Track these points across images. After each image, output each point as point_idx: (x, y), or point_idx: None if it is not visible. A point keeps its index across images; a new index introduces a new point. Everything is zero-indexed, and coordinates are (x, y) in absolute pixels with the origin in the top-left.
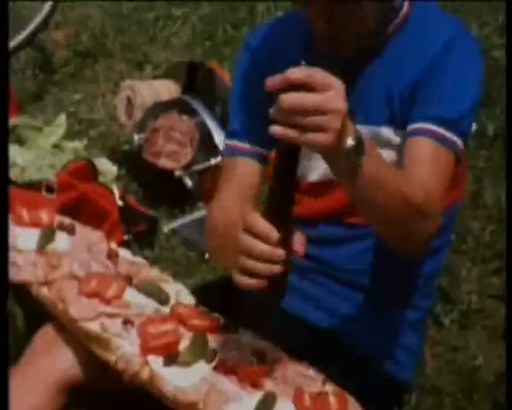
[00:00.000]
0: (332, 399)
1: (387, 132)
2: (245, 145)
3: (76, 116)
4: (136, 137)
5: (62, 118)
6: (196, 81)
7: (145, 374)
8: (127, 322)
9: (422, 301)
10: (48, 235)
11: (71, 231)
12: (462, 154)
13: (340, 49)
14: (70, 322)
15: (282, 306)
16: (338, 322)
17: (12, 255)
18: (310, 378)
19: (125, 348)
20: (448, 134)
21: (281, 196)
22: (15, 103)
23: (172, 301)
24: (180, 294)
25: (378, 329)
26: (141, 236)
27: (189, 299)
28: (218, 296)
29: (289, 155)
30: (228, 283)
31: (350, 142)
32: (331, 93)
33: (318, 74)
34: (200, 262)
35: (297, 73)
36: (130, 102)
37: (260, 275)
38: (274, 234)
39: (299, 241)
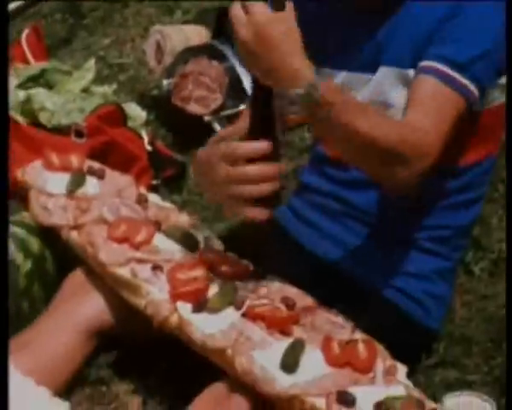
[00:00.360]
0: (361, 346)
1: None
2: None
3: (105, 61)
4: (165, 82)
5: (92, 62)
6: (226, 26)
7: (174, 320)
8: (156, 267)
9: (455, 252)
10: (78, 179)
11: (101, 175)
12: (475, 101)
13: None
14: (100, 267)
15: (313, 249)
16: (366, 267)
17: (42, 199)
18: (339, 326)
19: (155, 294)
20: (456, 75)
21: (261, 112)
22: (44, 48)
23: (201, 247)
24: (209, 240)
25: (408, 276)
26: (169, 180)
27: (217, 245)
28: (247, 242)
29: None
30: (257, 228)
31: (298, 91)
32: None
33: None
34: None
35: None
36: (159, 47)
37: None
38: (260, 146)
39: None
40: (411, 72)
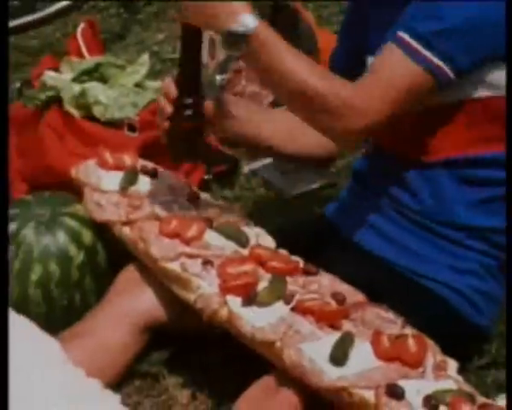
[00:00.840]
0: (411, 341)
1: None
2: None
3: (158, 56)
4: (218, 77)
5: (145, 57)
6: (280, 22)
7: (224, 313)
8: (207, 262)
9: (497, 251)
10: (131, 177)
11: (153, 174)
12: (446, 80)
13: None
14: (151, 261)
15: (361, 243)
16: (413, 261)
17: (96, 196)
18: (389, 321)
19: (205, 288)
20: (420, 48)
21: (187, 66)
22: (99, 42)
23: (252, 244)
24: (260, 237)
25: (455, 271)
26: (221, 176)
27: (268, 242)
28: (298, 238)
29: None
30: (308, 224)
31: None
32: None
33: None
34: (280, 203)
35: None
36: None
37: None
38: (172, 91)
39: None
40: None
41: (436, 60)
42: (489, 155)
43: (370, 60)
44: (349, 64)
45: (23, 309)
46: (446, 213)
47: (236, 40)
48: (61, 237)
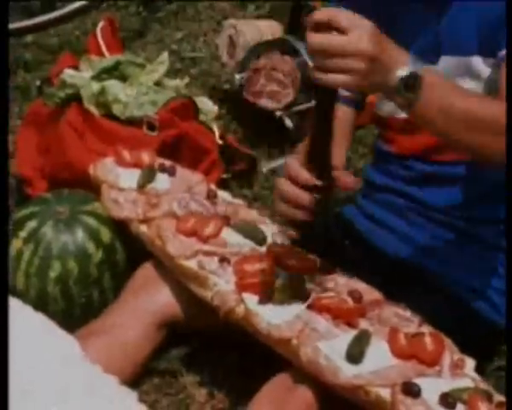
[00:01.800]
0: (428, 339)
1: (477, 62)
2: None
3: (178, 54)
4: (237, 76)
5: (165, 55)
6: (300, 21)
7: (240, 311)
8: (223, 260)
9: None
10: (148, 174)
11: (171, 172)
12: None
13: None
14: (168, 259)
15: (383, 246)
16: (434, 263)
17: (114, 194)
18: (406, 319)
19: (221, 286)
20: None
21: (319, 141)
22: (119, 40)
23: (269, 242)
24: (277, 235)
25: (475, 272)
26: (240, 175)
27: (285, 240)
28: (315, 238)
29: (324, 96)
30: (326, 223)
31: (398, 75)
32: (354, 34)
33: (343, 15)
34: None
35: (321, 13)
36: (232, 42)
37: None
38: (303, 175)
39: (347, 178)
40: (475, 59)
41: None
42: None
43: None
44: None
45: (42, 306)
46: (479, 208)
47: (413, 83)
48: (80, 235)
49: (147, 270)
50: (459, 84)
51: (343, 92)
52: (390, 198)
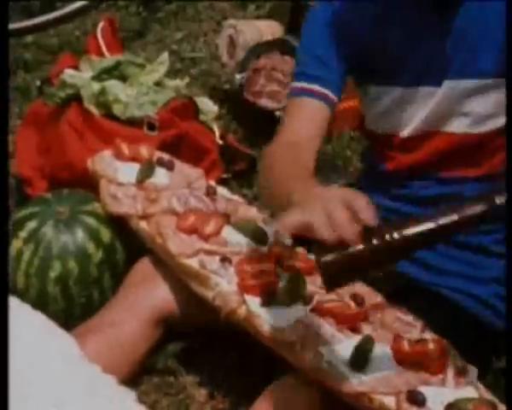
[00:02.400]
0: (431, 346)
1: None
2: (314, 87)
3: (178, 54)
4: (237, 76)
5: (165, 56)
6: (300, 21)
7: (242, 312)
8: (225, 259)
9: None
10: (147, 169)
11: (170, 166)
12: None
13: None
14: (168, 257)
15: None
16: (435, 273)
17: (112, 189)
18: (409, 325)
19: (223, 286)
20: None
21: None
22: (119, 40)
23: (270, 241)
24: (278, 234)
25: (478, 281)
26: (240, 174)
27: (287, 240)
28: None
29: None
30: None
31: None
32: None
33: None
34: None
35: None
36: (232, 42)
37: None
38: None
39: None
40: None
41: None
42: None
43: (397, 90)
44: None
45: (42, 306)
46: None
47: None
48: (80, 235)
49: (145, 265)
50: (465, 103)
51: (313, 86)
52: (387, 216)
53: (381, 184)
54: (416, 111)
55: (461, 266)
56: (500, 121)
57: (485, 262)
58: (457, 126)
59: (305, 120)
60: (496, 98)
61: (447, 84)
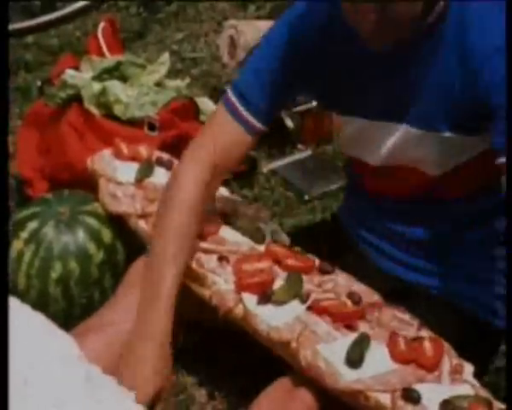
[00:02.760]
0: (427, 344)
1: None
2: (243, 112)
3: (178, 55)
4: None
5: (166, 56)
6: None
7: (239, 311)
8: (222, 258)
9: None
10: (146, 168)
11: (169, 166)
12: None
13: (384, 41)
14: None
15: (372, 260)
16: (427, 276)
17: (111, 188)
18: (405, 323)
19: (220, 285)
20: None
21: None
22: (119, 41)
23: (268, 241)
24: (276, 233)
25: (471, 282)
26: (240, 175)
27: (284, 239)
28: (316, 238)
29: None
30: (326, 225)
31: None
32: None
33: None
34: (299, 203)
35: None
36: (233, 42)
37: None
38: None
39: None
40: (447, 134)
41: None
42: None
43: (358, 121)
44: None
45: (43, 307)
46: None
47: None
48: (81, 236)
49: (141, 265)
50: (419, 151)
51: (246, 113)
52: (373, 226)
53: (360, 203)
54: (382, 142)
55: (452, 269)
56: (458, 160)
57: (477, 263)
58: (419, 165)
59: (221, 143)
60: (450, 149)
61: (404, 127)
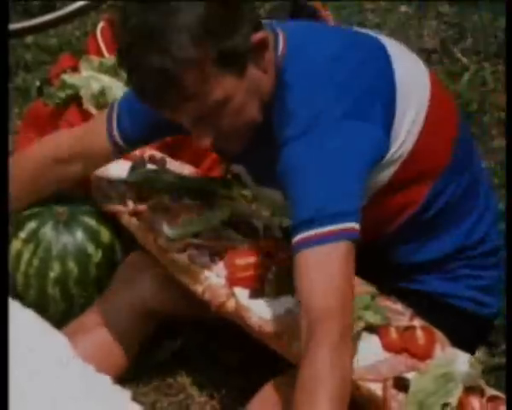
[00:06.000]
0: (419, 333)
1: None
2: (115, 132)
3: None
4: None
5: None
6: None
7: (231, 305)
8: (215, 253)
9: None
10: (138, 167)
11: (162, 164)
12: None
13: (236, 146)
14: (159, 252)
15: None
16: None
17: (104, 186)
18: (397, 313)
19: (212, 279)
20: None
21: None
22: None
23: (260, 235)
24: (268, 228)
25: (453, 280)
26: (240, 175)
27: (277, 233)
28: None
29: None
30: None
31: None
32: None
33: None
34: None
35: None
36: None
37: None
38: None
39: None
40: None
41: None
42: None
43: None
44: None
45: (42, 307)
46: None
47: None
48: (80, 236)
49: (131, 262)
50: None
51: (116, 123)
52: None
53: None
54: None
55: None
56: None
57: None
58: None
59: (89, 139)
60: None
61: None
